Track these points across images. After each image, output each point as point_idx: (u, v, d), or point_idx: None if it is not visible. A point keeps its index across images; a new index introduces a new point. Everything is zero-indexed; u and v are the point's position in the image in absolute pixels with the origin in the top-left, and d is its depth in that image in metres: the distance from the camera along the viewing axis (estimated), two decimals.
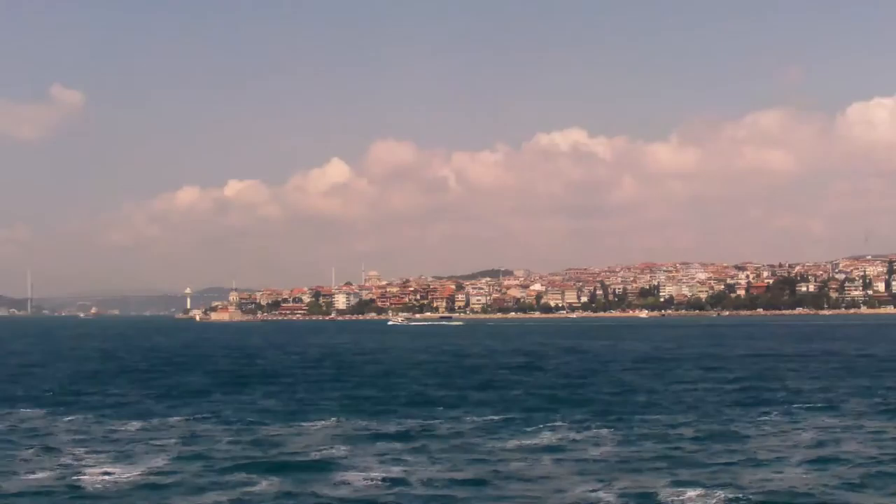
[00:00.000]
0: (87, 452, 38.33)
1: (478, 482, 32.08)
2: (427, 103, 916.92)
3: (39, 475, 33.56)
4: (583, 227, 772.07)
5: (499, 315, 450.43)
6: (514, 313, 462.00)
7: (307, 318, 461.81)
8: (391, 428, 45.62)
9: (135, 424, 47.12)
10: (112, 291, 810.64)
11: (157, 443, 40.83)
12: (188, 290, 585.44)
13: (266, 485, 31.33)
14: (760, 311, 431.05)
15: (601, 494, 29.71)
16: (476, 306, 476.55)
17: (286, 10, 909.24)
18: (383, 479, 32.02)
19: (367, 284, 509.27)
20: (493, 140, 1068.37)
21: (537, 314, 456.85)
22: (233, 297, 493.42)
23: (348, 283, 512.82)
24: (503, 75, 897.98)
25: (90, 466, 34.93)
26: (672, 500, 28.69)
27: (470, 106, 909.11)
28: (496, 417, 48.87)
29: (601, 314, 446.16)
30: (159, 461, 35.90)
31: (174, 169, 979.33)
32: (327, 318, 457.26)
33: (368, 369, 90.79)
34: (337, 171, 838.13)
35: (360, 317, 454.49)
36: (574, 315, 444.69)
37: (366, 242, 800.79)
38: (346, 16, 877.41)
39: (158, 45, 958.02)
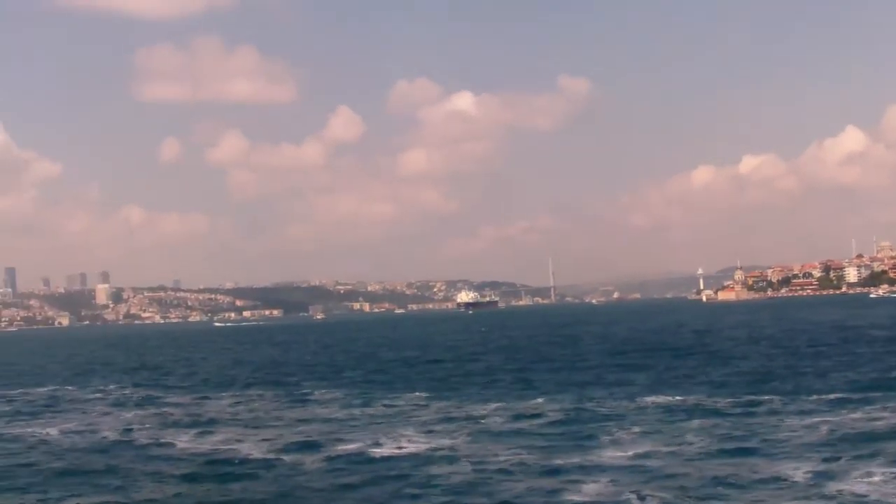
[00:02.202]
0: (416, 428, 43.05)
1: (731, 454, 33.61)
2: None
3: (349, 446, 38.57)
4: None
5: None
6: None
7: (817, 293, 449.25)
8: (718, 404, 47.43)
9: (489, 406, 51.24)
10: (632, 276, 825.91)
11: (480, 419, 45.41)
12: (700, 271, 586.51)
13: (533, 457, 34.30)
14: None
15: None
16: None
17: None
18: (635, 455, 33.99)
19: (878, 256, 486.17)
20: None
21: None
22: (738, 275, 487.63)
23: (859, 256, 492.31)
24: None
25: (393, 440, 39.59)
26: None
27: None
28: (832, 396, 48.41)
29: None
30: (451, 438, 39.93)
31: (688, 149, 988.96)
32: (837, 292, 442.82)
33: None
34: (852, 138, 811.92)
35: (871, 289, 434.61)
36: None
37: (887, 211, 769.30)
38: None
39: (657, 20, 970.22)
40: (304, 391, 65.45)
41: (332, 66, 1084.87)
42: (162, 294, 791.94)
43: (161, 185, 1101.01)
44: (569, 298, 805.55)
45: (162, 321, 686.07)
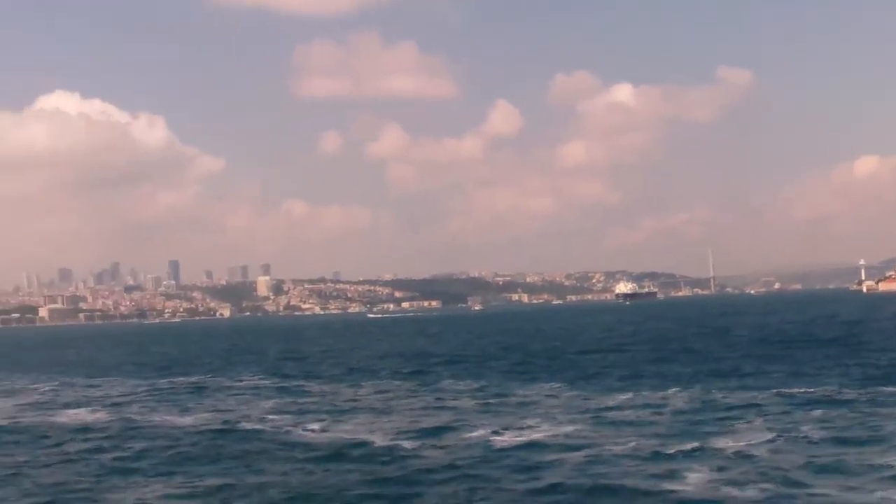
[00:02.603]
0: (542, 418, 43.79)
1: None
2: None
3: (471, 434, 39.46)
4: None
5: None
6: None
7: None
8: (847, 395, 47.36)
9: (620, 396, 51.85)
10: (794, 266, 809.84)
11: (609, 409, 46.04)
12: (862, 262, 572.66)
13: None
14: None
15: None
16: None
17: None
18: (748, 444, 34.47)
19: None
20: None
21: None
22: None
23: None
24: None
25: (516, 429, 40.55)
26: None
27: None
28: None
29: None
30: (573, 426, 40.81)
31: (850, 140, 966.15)
32: None
33: None
34: None
35: None
36: None
37: None
38: None
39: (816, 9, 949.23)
40: (444, 381, 66.53)
41: (490, 60, 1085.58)
42: (322, 286, 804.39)
43: (322, 178, 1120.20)
44: (729, 289, 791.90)
45: (322, 312, 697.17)
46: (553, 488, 29.27)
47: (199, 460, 36.75)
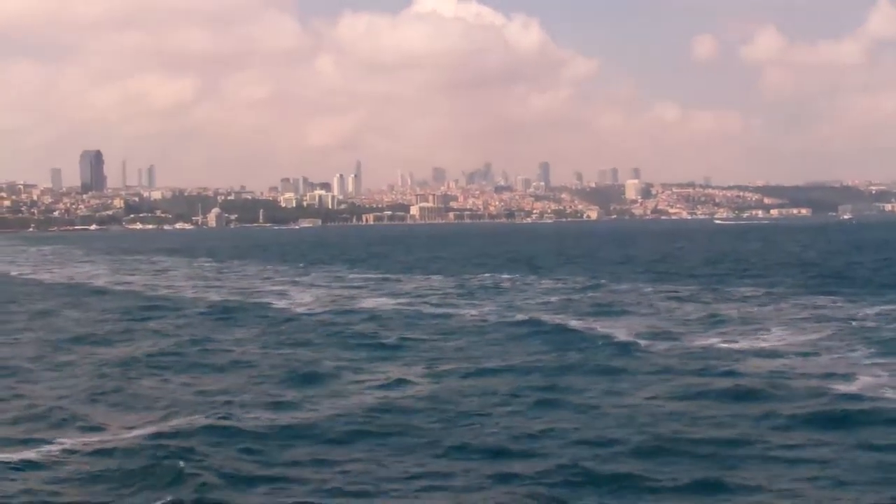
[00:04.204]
0: (787, 328, 44.73)
1: None
2: None
3: (708, 340, 40.97)
4: None
5: None
6: None
7: None
8: None
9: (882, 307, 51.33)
10: None
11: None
12: None
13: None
14: None
15: None
16: None
17: None
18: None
19: None
20: None
21: None
22: None
23: None
24: None
25: (752, 338, 41.49)
26: None
27: None
28: None
29: None
30: (812, 335, 41.74)
31: None
32: None
33: None
34: None
35: None
36: None
37: None
38: None
39: None
40: (722, 287, 68.10)
41: None
42: (690, 190, 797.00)
43: (694, 82, 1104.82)
44: None
45: (688, 217, 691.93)
46: (728, 387, 30.44)
47: (457, 350, 40.38)
